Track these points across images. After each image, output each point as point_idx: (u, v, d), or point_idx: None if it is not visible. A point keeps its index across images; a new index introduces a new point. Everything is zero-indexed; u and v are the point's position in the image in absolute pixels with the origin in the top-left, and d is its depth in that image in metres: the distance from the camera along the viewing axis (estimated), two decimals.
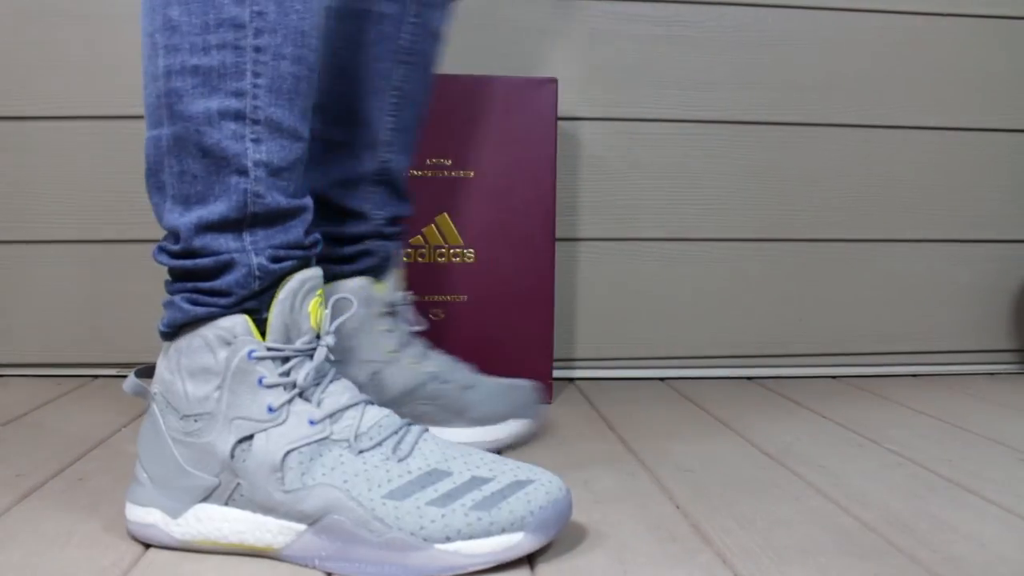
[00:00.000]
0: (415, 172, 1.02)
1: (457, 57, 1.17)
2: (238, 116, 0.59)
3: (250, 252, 0.60)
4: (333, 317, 0.71)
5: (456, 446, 0.63)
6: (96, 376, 1.19)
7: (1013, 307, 1.32)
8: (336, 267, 0.79)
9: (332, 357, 0.63)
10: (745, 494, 0.73)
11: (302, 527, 0.58)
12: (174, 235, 0.61)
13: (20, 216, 1.17)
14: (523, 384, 0.89)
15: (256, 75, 0.59)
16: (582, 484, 0.75)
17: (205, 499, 0.60)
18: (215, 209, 0.60)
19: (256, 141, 0.60)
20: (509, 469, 0.60)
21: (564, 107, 1.19)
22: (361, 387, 0.76)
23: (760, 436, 0.93)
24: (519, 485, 0.59)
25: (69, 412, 0.99)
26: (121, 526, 0.64)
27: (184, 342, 0.61)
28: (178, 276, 0.62)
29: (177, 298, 0.61)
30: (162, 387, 0.63)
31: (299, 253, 0.62)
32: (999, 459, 0.85)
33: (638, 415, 1.01)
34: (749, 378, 1.25)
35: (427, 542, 0.56)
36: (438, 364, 0.84)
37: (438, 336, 1.03)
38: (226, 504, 0.60)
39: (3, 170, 1.17)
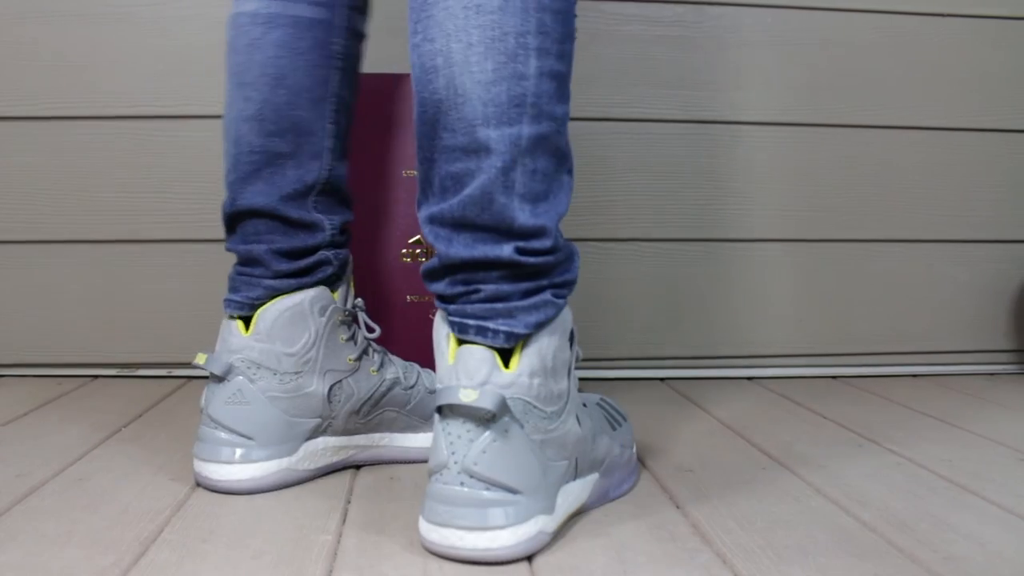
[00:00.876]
0: (415, 172, 1.02)
1: None
2: (568, 122, 0.64)
3: (575, 250, 0.68)
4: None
5: None
6: (96, 376, 1.19)
7: (1012, 307, 1.32)
8: (294, 280, 0.77)
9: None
10: (745, 494, 0.73)
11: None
12: (535, 233, 0.62)
13: (20, 216, 1.17)
14: None
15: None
16: None
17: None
18: (560, 207, 0.64)
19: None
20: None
21: None
22: (323, 398, 0.77)
23: (760, 436, 0.93)
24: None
25: (69, 412, 0.99)
26: (122, 525, 0.64)
27: (554, 343, 0.64)
28: (536, 273, 0.63)
29: (542, 301, 0.63)
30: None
31: None
32: (999, 459, 0.85)
33: (638, 415, 1.01)
34: (749, 378, 1.25)
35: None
36: (399, 369, 0.83)
37: None
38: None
39: (3, 170, 1.17)
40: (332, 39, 0.77)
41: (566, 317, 0.65)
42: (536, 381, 0.61)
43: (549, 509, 0.61)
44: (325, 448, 0.78)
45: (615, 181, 1.23)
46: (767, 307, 1.27)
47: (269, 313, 0.75)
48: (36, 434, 0.89)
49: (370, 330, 0.83)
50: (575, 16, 0.64)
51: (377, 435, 0.82)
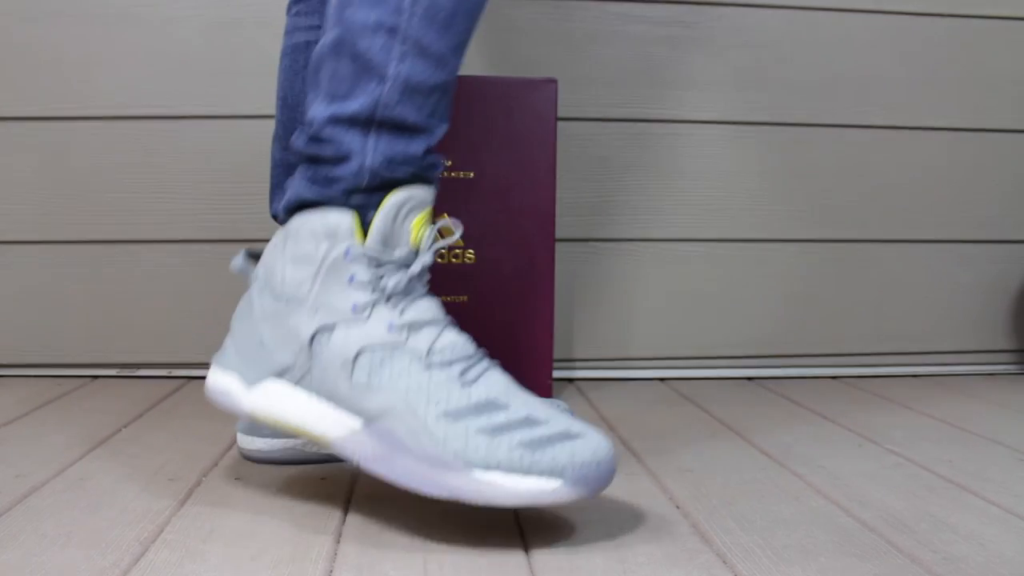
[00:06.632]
0: None
1: None
2: (391, 31, 0.64)
3: (368, 152, 0.65)
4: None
5: (518, 386, 0.65)
6: (96, 376, 1.19)
7: (1013, 307, 1.32)
8: None
9: (427, 275, 0.68)
10: (745, 494, 0.74)
11: (358, 425, 0.62)
12: (310, 123, 0.66)
13: (21, 216, 1.17)
14: None
15: (415, 0, 0.64)
16: None
17: (279, 375, 0.65)
18: (349, 107, 0.65)
19: (400, 57, 0.64)
20: (563, 419, 0.62)
21: (564, 107, 1.19)
22: None
23: (760, 436, 0.93)
24: (568, 436, 0.60)
25: (69, 412, 0.99)
26: (122, 525, 0.64)
27: (294, 228, 0.66)
28: (304, 159, 0.67)
29: (298, 179, 0.67)
30: (265, 268, 0.68)
31: (410, 169, 0.66)
32: (999, 459, 0.85)
33: (638, 415, 1.01)
34: (749, 378, 1.25)
35: (467, 466, 0.59)
36: None
37: None
38: (296, 385, 0.65)
39: (3, 170, 1.17)
40: None
41: (329, 218, 0.66)
42: (270, 260, 0.68)
43: (248, 379, 0.66)
44: None
45: (614, 181, 1.23)
46: (767, 307, 1.27)
47: None
48: (36, 434, 0.89)
49: None
50: None
51: None
